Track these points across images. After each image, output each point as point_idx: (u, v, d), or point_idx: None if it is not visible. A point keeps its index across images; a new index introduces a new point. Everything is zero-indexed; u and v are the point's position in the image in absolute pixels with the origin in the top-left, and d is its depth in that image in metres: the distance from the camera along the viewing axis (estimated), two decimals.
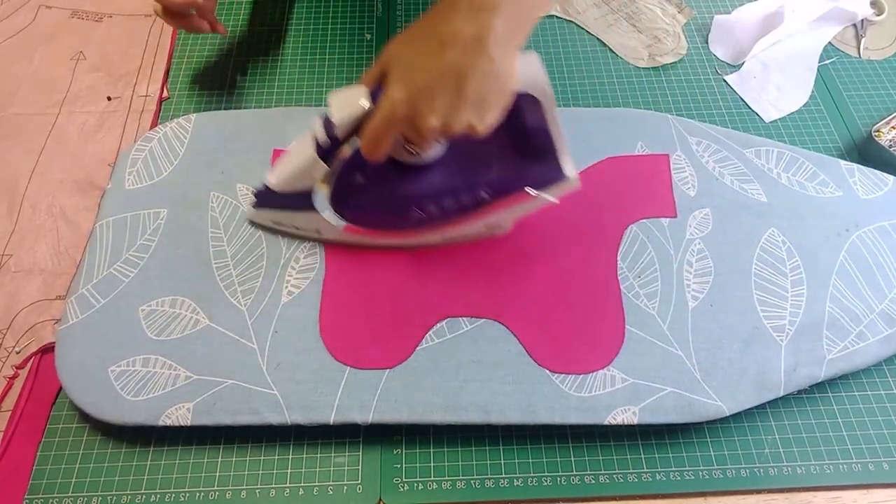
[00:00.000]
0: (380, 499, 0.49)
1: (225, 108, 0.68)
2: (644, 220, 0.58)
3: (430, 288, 0.54)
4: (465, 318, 0.53)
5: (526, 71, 0.45)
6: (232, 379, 0.50)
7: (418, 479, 0.50)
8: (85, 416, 0.51)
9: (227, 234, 0.57)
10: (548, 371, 0.50)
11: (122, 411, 0.48)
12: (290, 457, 0.50)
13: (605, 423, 0.49)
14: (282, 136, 0.62)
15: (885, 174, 0.61)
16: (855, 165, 0.62)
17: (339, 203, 0.53)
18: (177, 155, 0.61)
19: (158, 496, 0.48)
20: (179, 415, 0.48)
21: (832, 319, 0.53)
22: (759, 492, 0.50)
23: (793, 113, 0.70)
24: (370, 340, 0.52)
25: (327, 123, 0.46)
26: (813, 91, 0.71)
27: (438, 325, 0.52)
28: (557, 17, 0.78)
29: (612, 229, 0.57)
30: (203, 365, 0.50)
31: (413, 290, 0.54)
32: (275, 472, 0.50)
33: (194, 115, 0.63)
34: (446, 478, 0.50)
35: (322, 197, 0.52)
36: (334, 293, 0.54)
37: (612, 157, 0.61)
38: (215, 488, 0.49)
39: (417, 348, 0.51)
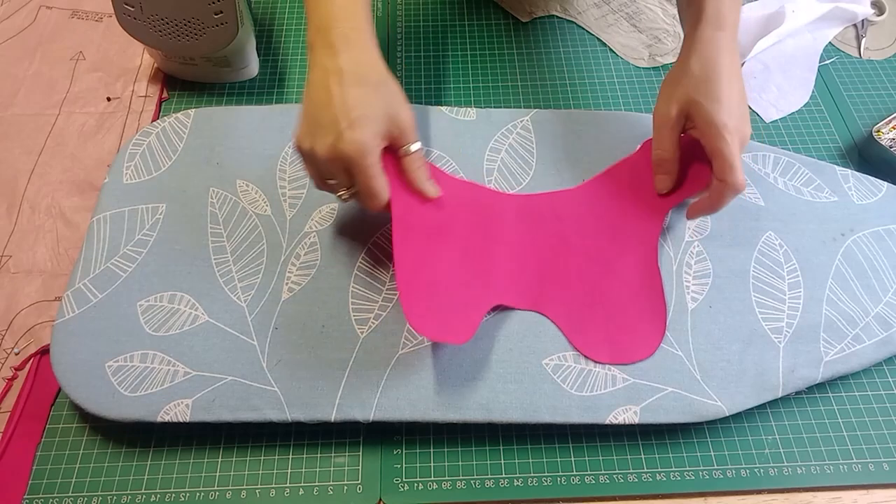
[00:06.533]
0: (380, 499, 0.49)
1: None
2: None
3: (486, 276, 0.53)
4: None
5: None
6: (231, 375, 0.50)
7: (418, 479, 0.50)
8: (84, 416, 0.51)
9: (226, 229, 0.57)
10: (549, 371, 0.50)
11: (120, 407, 0.48)
12: (290, 457, 0.50)
13: (607, 422, 0.49)
14: (281, 134, 0.62)
15: (879, 180, 0.62)
16: (850, 171, 0.62)
17: None
18: (175, 150, 0.61)
19: (158, 496, 0.48)
20: (178, 411, 0.48)
21: (829, 322, 0.54)
22: (759, 492, 0.50)
23: (793, 113, 0.70)
24: (445, 315, 0.49)
25: None
26: (813, 91, 0.72)
27: None
28: (557, 17, 0.78)
29: (653, 218, 0.56)
30: (202, 361, 0.50)
31: (471, 275, 0.52)
32: (275, 472, 0.50)
33: (193, 110, 0.63)
34: (446, 478, 0.50)
35: None
36: (408, 260, 0.50)
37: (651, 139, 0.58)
38: (215, 488, 0.49)
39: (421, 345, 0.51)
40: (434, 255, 0.52)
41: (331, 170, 0.47)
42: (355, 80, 0.46)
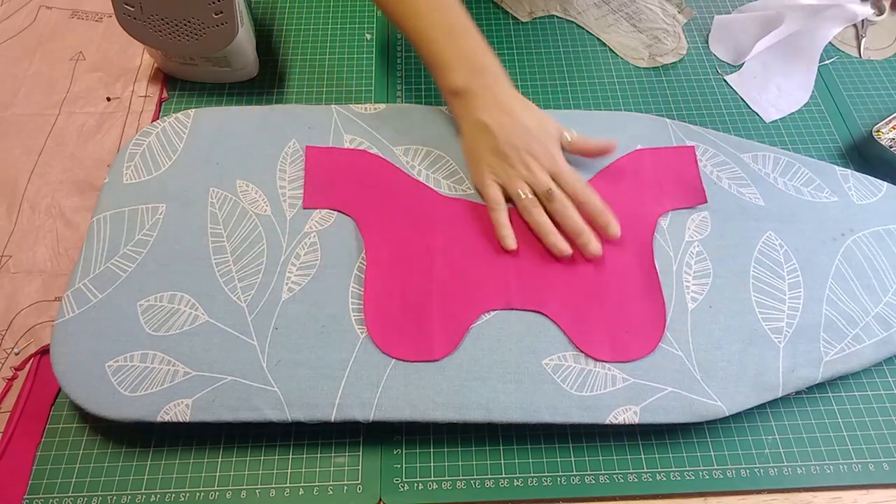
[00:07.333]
0: (380, 499, 0.49)
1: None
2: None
3: (473, 282, 0.54)
4: None
5: None
6: (232, 375, 0.50)
7: (418, 479, 0.50)
8: (84, 416, 0.51)
9: (226, 229, 0.57)
10: (549, 371, 0.50)
11: (120, 407, 0.48)
12: (290, 457, 0.50)
13: (607, 422, 0.49)
14: (281, 134, 0.62)
15: (879, 180, 0.62)
16: (850, 171, 0.62)
17: None
18: (175, 150, 0.61)
19: (158, 496, 0.48)
20: (178, 411, 0.48)
21: (829, 322, 0.54)
22: (759, 492, 0.50)
23: (793, 113, 0.70)
24: (416, 333, 0.51)
25: None
26: (813, 91, 0.72)
27: None
28: (557, 17, 0.78)
29: (646, 218, 0.58)
30: (202, 361, 0.50)
31: (456, 282, 0.54)
32: (275, 472, 0.50)
33: (193, 110, 0.63)
34: (446, 478, 0.50)
35: None
36: (376, 285, 0.53)
37: (642, 148, 0.62)
38: (215, 488, 0.49)
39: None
40: (408, 275, 0.54)
41: (533, 171, 0.56)
42: (526, 105, 0.59)
